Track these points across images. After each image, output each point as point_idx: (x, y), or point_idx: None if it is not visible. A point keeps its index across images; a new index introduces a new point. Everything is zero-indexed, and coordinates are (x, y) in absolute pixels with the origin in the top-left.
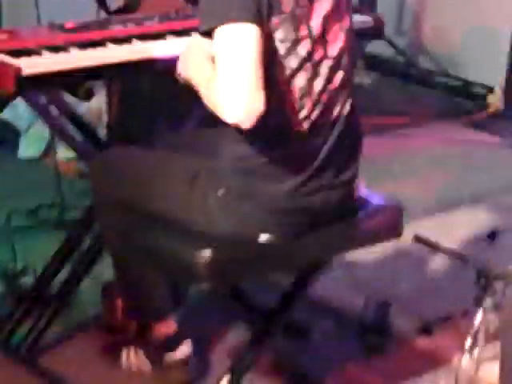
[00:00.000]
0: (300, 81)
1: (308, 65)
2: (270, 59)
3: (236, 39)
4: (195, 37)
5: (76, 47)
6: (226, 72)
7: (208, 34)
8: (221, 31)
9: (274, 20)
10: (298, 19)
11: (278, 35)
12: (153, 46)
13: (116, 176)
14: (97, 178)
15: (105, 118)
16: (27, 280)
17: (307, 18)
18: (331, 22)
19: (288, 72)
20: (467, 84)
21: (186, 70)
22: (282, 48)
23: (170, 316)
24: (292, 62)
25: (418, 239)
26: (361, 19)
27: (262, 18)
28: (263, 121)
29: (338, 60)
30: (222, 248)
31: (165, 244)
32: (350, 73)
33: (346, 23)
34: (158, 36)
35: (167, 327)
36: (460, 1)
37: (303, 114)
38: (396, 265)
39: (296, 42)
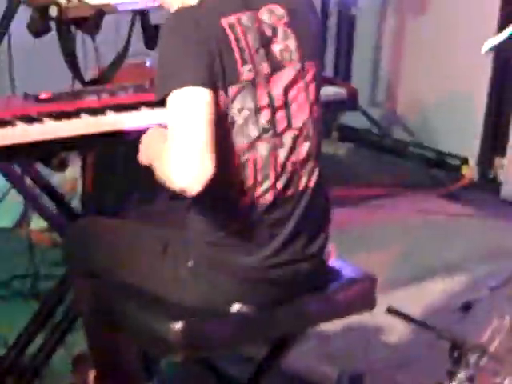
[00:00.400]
0: (262, 150)
1: (269, 135)
2: (228, 128)
3: (186, 102)
4: (155, 127)
5: (50, 118)
6: (175, 135)
7: (163, 103)
8: (173, 96)
9: (232, 89)
10: (258, 88)
11: (236, 104)
12: (126, 118)
13: (89, 246)
14: (70, 248)
15: (79, 189)
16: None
17: (268, 87)
18: (295, 92)
19: (248, 141)
20: (441, 155)
21: (147, 158)
22: (239, 117)
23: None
24: (252, 132)
25: (391, 311)
26: (335, 90)
27: (215, 86)
28: (223, 191)
29: (302, 131)
30: (194, 319)
31: (137, 315)
32: (317, 144)
33: (312, 94)
34: (132, 107)
35: None
36: (434, 72)
37: (267, 184)
38: (369, 337)
39: (256, 111)
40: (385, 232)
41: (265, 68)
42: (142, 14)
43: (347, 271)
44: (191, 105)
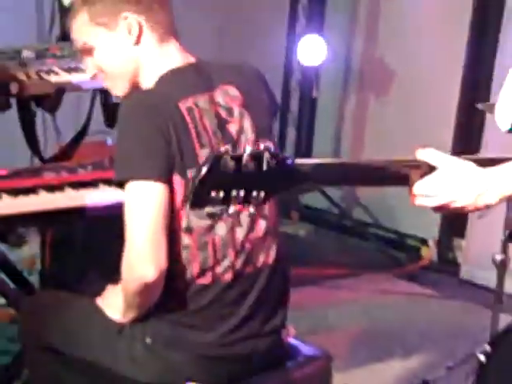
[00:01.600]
0: (220, 230)
1: (227, 214)
2: (185, 212)
3: (139, 198)
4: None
5: (8, 194)
6: (129, 228)
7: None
8: (128, 187)
9: (190, 172)
10: None
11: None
12: (85, 195)
13: (44, 321)
14: (25, 322)
15: (38, 266)
16: None
17: None
18: None
19: (207, 223)
20: (400, 236)
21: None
22: None
23: None
24: (210, 213)
25: None
26: None
27: (170, 173)
28: (182, 272)
29: (259, 210)
30: None
31: None
32: (274, 221)
33: None
34: (91, 184)
35: None
36: (395, 151)
37: (226, 263)
38: None
39: None
40: (344, 312)
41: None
42: (103, 92)
43: (304, 349)
44: (143, 202)
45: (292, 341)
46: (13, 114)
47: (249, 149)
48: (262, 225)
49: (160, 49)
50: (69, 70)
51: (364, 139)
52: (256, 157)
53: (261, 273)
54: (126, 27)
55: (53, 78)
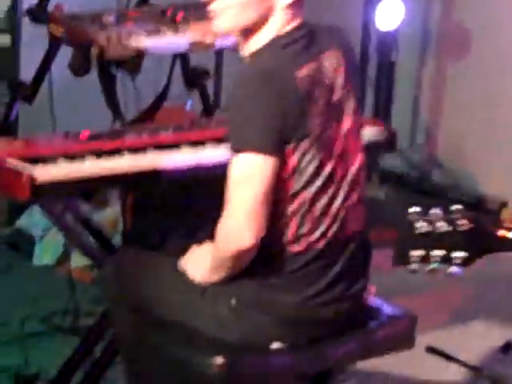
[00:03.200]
0: (322, 200)
1: (331, 185)
2: (295, 181)
3: (247, 171)
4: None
5: (91, 156)
6: (233, 197)
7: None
8: (242, 157)
9: (304, 143)
10: (324, 140)
11: (306, 158)
12: (167, 157)
13: (128, 280)
14: (109, 282)
15: (120, 227)
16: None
17: (332, 137)
18: (351, 141)
19: (312, 192)
20: (480, 198)
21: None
22: (307, 170)
23: None
24: (317, 183)
25: (430, 350)
26: (374, 131)
27: (283, 147)
28: (278, 238)
29: (356, 178)
30: (234, 355)
31: (176, 350)
32: (364, 188)
33: (360, 140)
34: (173, 146)
35: None
36: (474, 115)
37: (320, 231)
38: (408, 376)
39: (322, 162)
40: (424, 275)
41: (330, 119)
42: (183, 56)
43: (387, 310)
44: (253, 175)
45: (374, 301)
46: (94, 77)
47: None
48: (356, 193)
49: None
50: (148, 34)
51: (442, 104)
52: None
53: (350, 240)
54: None
55: (133, 42)
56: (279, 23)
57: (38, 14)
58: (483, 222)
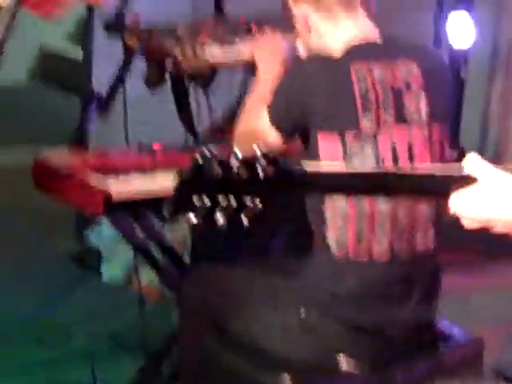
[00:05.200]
0: (381, 205)
1: None
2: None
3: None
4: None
5: (163, 171)
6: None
7: None
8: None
9: (348, 135)
10: (379, 139)
11: (354, 151)
12: None
13: (202, 295)
14: (184, 298)
15: (189, 242)
16: None
17: (392, 139)
18: (419, 151)
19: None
20: None
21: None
22: (356, 160)
23: None
24: None
25: (497, 375)
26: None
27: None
28: (336, 240)
29: None
30: (303, 373)
31: (245, 368)
32: (435, 205)
33: (436, 154)
34: None
35: None
36: None
37: (384, 241)
38: None
39: (376, 161)
40: (489, 297)
41: (389, 121)
42: (255, 67)
43: (456, 334)
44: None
45: (443, 325)
46: (167, 90)
47: (239, 155)
48: (423, 206)
49: (354, 22)
50: (223, 46)
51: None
52: (249, 164)
53: (420, 256)
54: None
55: (207, 55)
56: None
57: (115, 27)
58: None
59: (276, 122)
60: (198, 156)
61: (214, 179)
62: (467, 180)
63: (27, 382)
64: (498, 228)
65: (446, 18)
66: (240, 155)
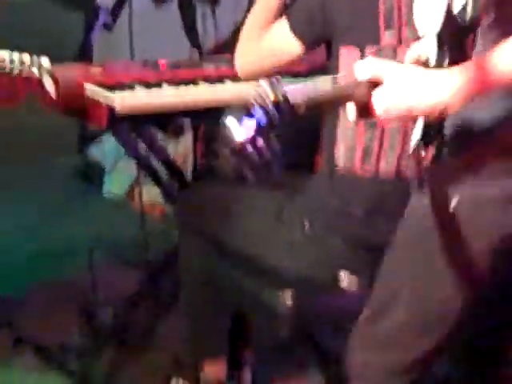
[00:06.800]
0: (394, 123)
1: None
2: None
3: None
4: None
5: (168, 85)
6: None
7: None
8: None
9: (368, 49)
10: (399, 55)
11: None
12: (244, 88)
13: (202, 210)
14: (183, 212)
15: (190, 160)
16: (106, 316)
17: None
18: None
19: None
20: None
21: None
22: None
23: (221, 359)
24: None
25: None
26: None
27: (317, 40)
28: (355, 164)
29: None
30: (304, 290)
31: (247, 284)
32: None
33: None
34: None
35: (217, 369)
36: None
37: (392, 156)
38: None
39: None
40: None
41: (411, 38)
42: None
43: None
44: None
45: None
46: (173, 6)
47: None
48: None
49: None
50: None
51: None
52: None
53: None
54: None
55: None
56: None
57: None
58: None
59: (300, 32)
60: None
61: None
62: (370, 83)
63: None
64: (418, 113)
65: None
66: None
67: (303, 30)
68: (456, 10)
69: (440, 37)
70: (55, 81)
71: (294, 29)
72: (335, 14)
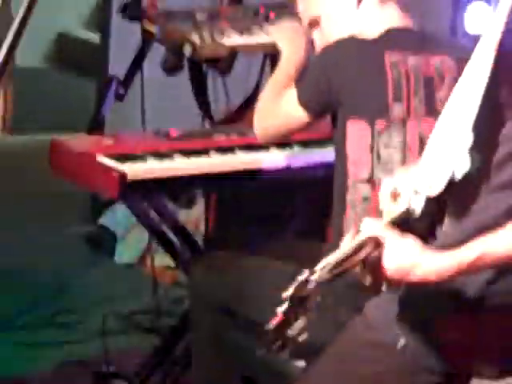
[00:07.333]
0: None
1: None
2: (370, 158)
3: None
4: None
5: (180, 155)
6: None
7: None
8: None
9: (379, 122)
10: (408, 128)
11: (383, 139)
12: (256, 158)
13: (215, 280)
14: (195, 282)
15: (202, 228)
16: (119, 383)
17: (420, 129)
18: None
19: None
20: None
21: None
22: (384, 153)
23: None
24: (395, 168)
25: None
26: None
27: (324, 113)
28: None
29: None
30: (314, 358)
31: (258, 352)
32: None
33: None
34: (262, 147)
35: None
36: None
37: None
38: None
39: (403, 149)
40: None
41: (420, 110)
42: (273, 57)
43: None
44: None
45: None
46: (183, 76)
47: None
48: None
49: (380, 11)
50: (241, 33)
51: None
52: None
53: None
54: None
55: (226, 41)
56: (373, 30)
57: (132, 11)
58: None
59: (305, 101)
60: None
61: None
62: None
63: (40, 361)
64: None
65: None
66: None
67: (309, 101)
68: (458, 175)
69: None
70: None
71: (300, 99)
72: (341, 85)
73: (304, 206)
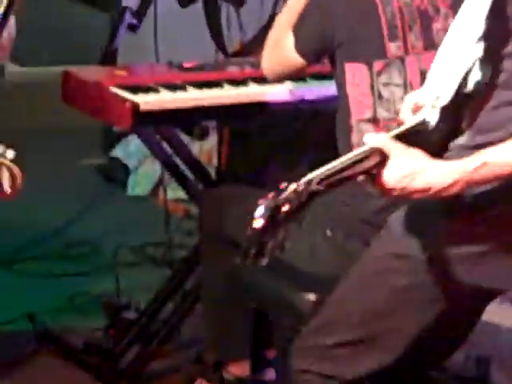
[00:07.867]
0: None
1: None
2: (372, 100)
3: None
4: None
5: (193, 87)
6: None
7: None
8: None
9: (377, 63)
10: (408, 65)
11: (382, 79)
12: (268, 90)
13: (225, 213)
14: (207, 214)
15: (214, 161)
16: (130, 315)
17: (420, 64)
18: None
19: (392, 116)
20: None
21: None
22: (385, 92)
23: (245, 359)
24: (398, 106)
25: None
26: None
27: (322, 56)
28: None
29: None
30: (327, 292)
31: (270, 284)
32: None
33: None
34: None
35: (241, 369)
36: None
37: None
38: (498, 321)
39: (405, 87)
40: None
41: (418, 46)
42: None
43: None
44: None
45: None
46: (198, 8)
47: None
48: None
49: None
50: None
51: None
52: None
53: None
54: None
55: None
56: None
57: None
58: None
59: (300, 47)
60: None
61: None
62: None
63: (52, 294)
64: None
65: None
66: None
67: (304, 47)
68: (470, 85)
69: (445, 107)
70: (13, 176)
71: (296, 47)
72: (335, 29)
73: (317, 139)
